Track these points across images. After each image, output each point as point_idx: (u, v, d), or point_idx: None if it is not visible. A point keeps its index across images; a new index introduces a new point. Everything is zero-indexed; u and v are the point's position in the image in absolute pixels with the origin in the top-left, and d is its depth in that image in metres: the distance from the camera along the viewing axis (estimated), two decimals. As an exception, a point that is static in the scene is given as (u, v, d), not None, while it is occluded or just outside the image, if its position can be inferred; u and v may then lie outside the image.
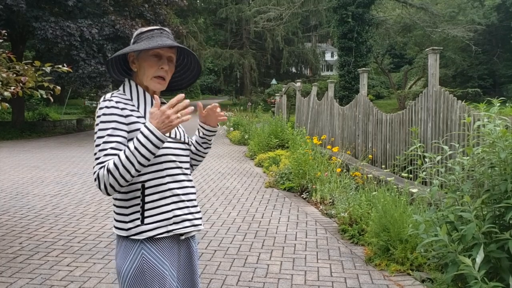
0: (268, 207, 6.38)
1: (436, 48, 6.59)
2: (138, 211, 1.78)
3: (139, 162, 1.64)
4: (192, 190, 1.92)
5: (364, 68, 9.79)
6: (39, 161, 10.94)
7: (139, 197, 1.79)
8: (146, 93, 1.86)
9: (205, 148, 2.09)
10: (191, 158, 2.07)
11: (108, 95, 1.79)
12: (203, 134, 2.05)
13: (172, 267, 1.83)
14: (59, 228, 5.31)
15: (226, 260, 4.31)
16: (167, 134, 1.73)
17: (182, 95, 1.68)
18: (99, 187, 1.68)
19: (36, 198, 6.87)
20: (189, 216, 1.86)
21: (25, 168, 9.79)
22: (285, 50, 39.22)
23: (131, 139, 1.73)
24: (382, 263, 4.06)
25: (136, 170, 1.66)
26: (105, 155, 1.68)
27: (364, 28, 24.29)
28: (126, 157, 1.64)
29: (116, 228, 1.82)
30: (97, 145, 1.71)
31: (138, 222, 1.77)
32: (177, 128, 1.91)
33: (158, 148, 1.65)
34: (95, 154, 1.71)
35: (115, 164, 1.64)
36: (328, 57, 57.87)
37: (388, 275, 3.90)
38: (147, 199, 1.78)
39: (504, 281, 2.56)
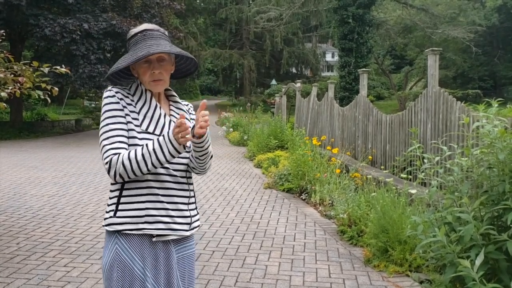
0: (267, 208, 6.37)
1: (436, 49, 6.58)
2: (115, 203, 1.82)
3: (152, 163, 1.72)
4: (181, 193, 1.88)
5: (364, 69, 9.78)
6: (37, 161, 10.93)
7: (118, 189, 1.83)
8: (147, 92, 1.89)
9: (198, 158, 1.87)
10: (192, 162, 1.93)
11: (110, 87, 1.87)
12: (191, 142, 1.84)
13: (146, 266, 1.80)
14: (56, 228, 5.30)
15: (224, 261, 4.29)
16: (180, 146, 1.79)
17: (183, 116, 1.65)
18: (108, 173, 1.76)
19: (33, 198, 6.86)
20: (166, 219, 1.82)
21: (23, 168, 9.78)
22: (285, 50, 39.17)
23: (128, 130, 1.81)
24: (381, 264, 4.05)
25: (148, 170, 1.73)
26: (117, 141, 1.76)
27: (364, 29, 24.26)
28: (142, 155, 1.71)
29: None
30: (105, 132, 1.79)
31: (112, 213, 1.82)
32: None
33: (173, 156, 1.72)
34: (103, 140, 1.78)
35: (129, 158, 1.71)
36: (328, 57, 57.83)
37: (386, 276, 3.88)
38: (124, 193, 1.81)
39: (502, 282, 2.55)
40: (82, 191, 7.42)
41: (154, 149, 1.70)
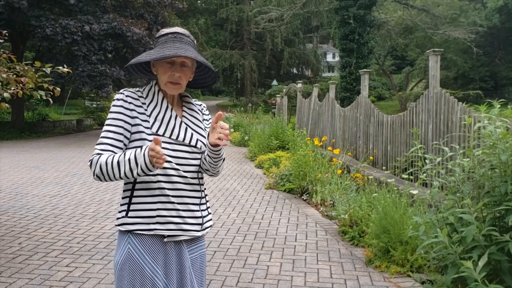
0: (268, 209, 6.37)
1: (437, 50, 6.57)
2: (126, 203, 1.85)
3: (125, 173, 1.73)
4: (192, 194, 1.89)
5: (365, 70, 9.78)
6: (38, 161, 10.94)
7: (130, 190, 1.85)
8: (159, 93, 1.90)
9: (211, 163, 1.88)
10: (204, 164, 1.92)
11: (122, 90, 1.90)
12: (207, 147, 1.86)
13: (157, 266, 1.82)
14: (58, 228, 5.30)
15: (226, 261, 4.30)
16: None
17: (157, 140, 1.62)
18: (91, 170, 1.81)
19: (35, 198, 6.87)
20: (177, 220, 1.84)
21: (24, 168, 9.79)
22: (286, 51, 39.14)
23: (136, 132, 1.82)
24: (382, 264, 4.05)
25: (121, 177, 1.74)
26: (105, 143, 1.80)
27: (365, 29, 24.24)
28: (118, 162, 1.73)
29: None
30: (102, 132, 1.84)
31: (124, 213, 1.84)
32: (186, 130, 1.90)
33: (144, 172, 1.71)
34: (100, 138, 1.84)
35: (106, 162, 1.74)
36: (329, 58, 57.82)
37: (388, 276, 3.88)
38: (135, 193, 1.83)
39: (504, 283, 2.55)
40: (84, 191, 7.43)
41: (129, 159, 1.70)
